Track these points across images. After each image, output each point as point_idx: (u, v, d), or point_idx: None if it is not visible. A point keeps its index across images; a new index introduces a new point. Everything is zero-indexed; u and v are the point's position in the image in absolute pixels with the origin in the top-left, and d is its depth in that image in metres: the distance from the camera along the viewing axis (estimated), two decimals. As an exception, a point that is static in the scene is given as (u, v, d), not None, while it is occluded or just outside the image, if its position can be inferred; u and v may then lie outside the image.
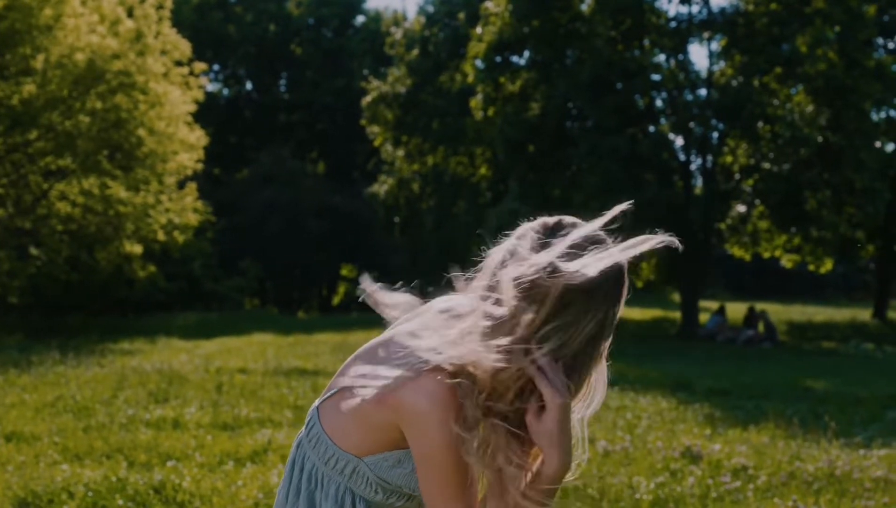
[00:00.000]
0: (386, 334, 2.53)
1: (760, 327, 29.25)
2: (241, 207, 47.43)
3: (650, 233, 2.34)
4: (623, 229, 2.38)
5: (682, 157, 31.35)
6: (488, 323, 2.22)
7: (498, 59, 31.89)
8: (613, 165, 28.24)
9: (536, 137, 30.42)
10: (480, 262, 2.37)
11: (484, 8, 32.04)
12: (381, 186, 43.34)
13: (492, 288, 2.26)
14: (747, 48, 29.43)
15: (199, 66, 31.17)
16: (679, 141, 31.17)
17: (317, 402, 2.53)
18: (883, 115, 33.97)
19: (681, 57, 31.52)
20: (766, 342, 28.09)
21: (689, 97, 31.44)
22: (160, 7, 29.36)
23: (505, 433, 2.25)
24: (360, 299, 2.74)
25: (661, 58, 31.98)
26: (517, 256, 2.25)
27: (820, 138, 28.19)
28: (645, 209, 28.28)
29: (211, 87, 55.81)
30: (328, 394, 2.50)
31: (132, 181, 28.60)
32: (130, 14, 28.58)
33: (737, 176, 30.96)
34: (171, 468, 8.04)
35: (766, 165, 29.49)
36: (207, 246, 39.93)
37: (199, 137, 30.29)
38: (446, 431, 2.21)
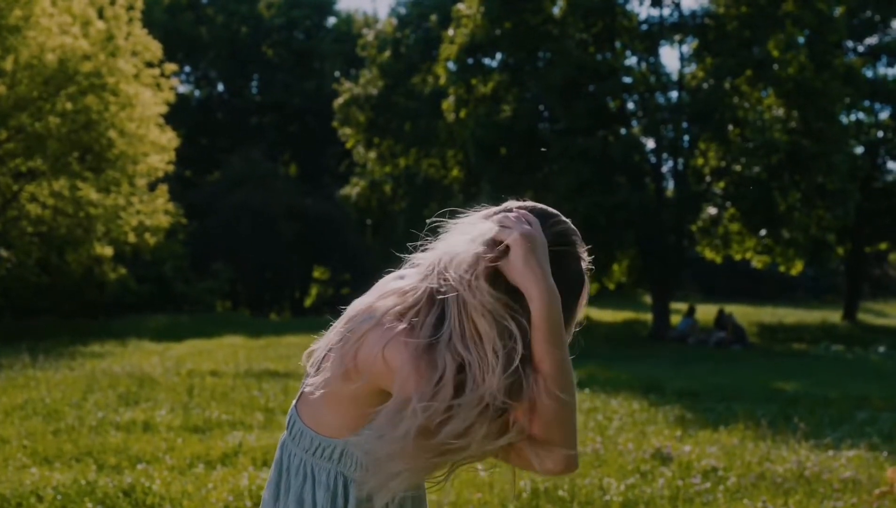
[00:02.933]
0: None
1: (730, 329, 29.38)
2: (212, 209, 47.21)
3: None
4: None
5: (653, 159, 31.45)
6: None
7: (470, 61, 31.89)
8: (585, 168, 28.30)
9: (508, 140, 30.44)
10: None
11: (456, 10, 32.04)
12: (354, 189, 43.27)
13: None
14: (718, 51, 29.56)
15: (170, 67, 31.01)
16: (650, 143, 31.27)
17: (294, 402, 2.55)
18: (853, 117, 34.22)
19: (652, 60, 31.64)
20: (736, 344, 28.20)
21: (661, 100, 31.57)
22: (131, 8, 29.19)
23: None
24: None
25: (633, 60, 32.10)
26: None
27: (783, 137, 28.30)
28: (616, 211, 28.39)
29: (182, 88, 55.55)
30: (302, 391, 2.52)
31: (103, 183, 28.45)
32: (101, 15, 28.43)
33: (708, 178, 31.08)
34: (141, 470, 8.02)
35: (737, 168, 29.61)
36: (179, 248, 39.77)
37: (170, 138, 30.14)
38: (413, 365, 2.25)
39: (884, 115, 37.42)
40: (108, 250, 29.64)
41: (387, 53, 40.79)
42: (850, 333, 33.66)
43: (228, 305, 47.85)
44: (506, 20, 29.99)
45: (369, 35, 42.84)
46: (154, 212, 30.54)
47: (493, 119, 30.51)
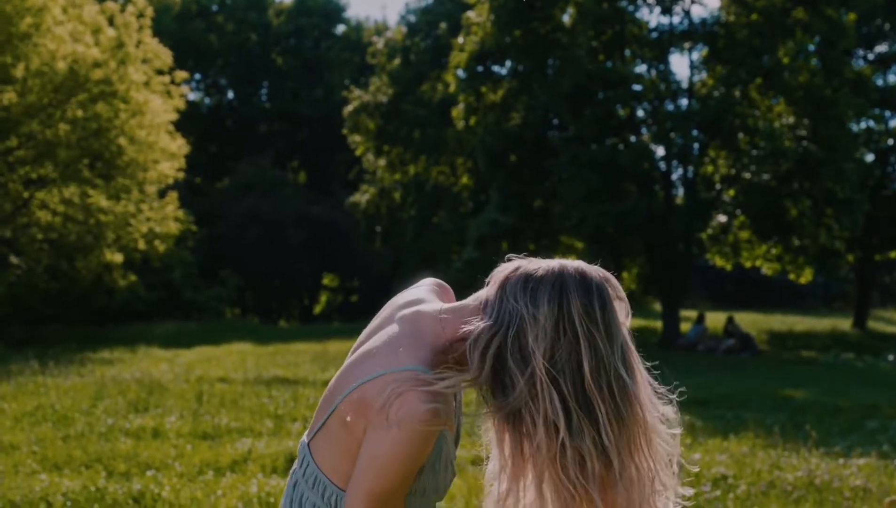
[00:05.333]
0: (357, 346, 2.45)
1: (736, 336, 29.32)
2: (221, 216, 47.29)
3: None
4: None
5: (663, 167, 31.41)
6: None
7: (479, 68, 31.91)
8: (594, 175, 28.27)
9: (517, 147, 30.46)
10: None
11: (466, 18, 32.06)
12: (363, 196, 43.29)
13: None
14: (728, 59, 29.52)
15: (181, 74, 31.10)
16: (660, 151, 31.23)
17: (306, 437, 2.43)
18: (863, 125, 34.15)
19: (662, 67, 31.59)
20: (744, 351, 28.13)
21: (670, 107, 31.51)
22: (141, 16, 29.28)
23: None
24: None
25: (643, 68, 32.06)
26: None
27: (793, 145, 28.26)
28: (626, 219, 28.37)
29: (192, 96, 55.67)
30: (317, 428, 2.39)
31: (113, 190, 28.51)
32: (111, 23, 28.51)
33: (718, 186, 31.03)
34: (150, 477, 8.02)
35: (747, 176, 29.56)
36: (187, 255, 39.79)
37: (180, 145, 30.22)
38: (407, 444, 2.16)
39: (894, 123, 37.36)
40: (117, 257, 29.65)
41: (396, 61, 40.82)
42: (859, 341, 33.57)
43: (237, 312, 47.84)
44: (515, 28, 29.98)
45: (379, 43, 42.89)
46: (164, 219, 30.59)
47: (503, 127, 30.51)
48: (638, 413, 2.27)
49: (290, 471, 2.50)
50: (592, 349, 2.21)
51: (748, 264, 32.81)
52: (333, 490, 2.32)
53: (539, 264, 2.31)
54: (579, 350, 2.20)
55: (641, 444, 2.27)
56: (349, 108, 41.33)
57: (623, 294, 2.36)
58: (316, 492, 2.36)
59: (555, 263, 2.30)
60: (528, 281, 2.26)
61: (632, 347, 2.34)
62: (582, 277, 2.27)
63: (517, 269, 2.31)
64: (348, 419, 2.26)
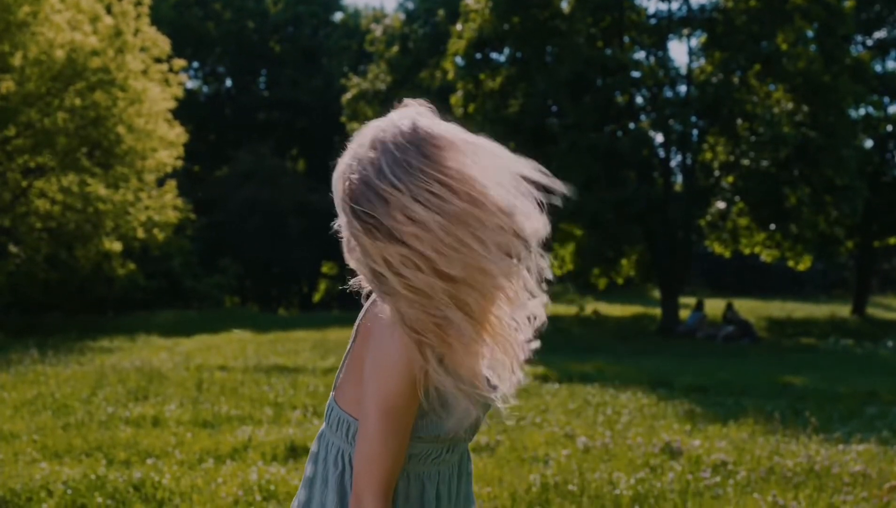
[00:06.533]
0: None
1: (735, 323, 29.35)
2: (220, 204, 47.28)
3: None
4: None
5: (662, 154, 31.41)
6: None
7: (478, 56, 31.88)
8: (593, 162, 28.27)
9: (516, 135, 30.42)
10: None
11: (464, 5, 32.02)
12: (362, 184, 43.29)
13: None
14: (727, 45, 29.51)
15: (179, 62, 31.08)
16: (659, 138, 31.23)
17: (332, 393, 2.49)
18: (862, 112, 34.15)
19: (660, 54, 31.58)
20: (744, 338, 28.15)
21: (669, 94, 31.50)
22: (139, 3, 29.26)
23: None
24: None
25: (641, 55, 32.05)
26: None
27: (792, 131, 28.25)
28: (625, 206, 28.37)
29: (191, 84, 55.65)
30: (339, 376, 2.47)
31: (111, 179, 28.48)
32: (109, 11, 28.47)
33: (717, 173, 31.04)
34: (150, 465, 8.02)
35: (746, 163, 29.56)
36: (187, 244, 39.78)
37: (178, 134, 30.20)
38: (401, 348, 2.20)
39: (893, 109, 37.35)
40: (116, 246, 29.66)
41: (395, 48, 40.81)
42: (858, 327, 33.59)
43: (237, 300, 47.88)
44: (514, 15, 29.96)
45: (377, 30, 42.87)
46: (162, 207, 30.59)
47: (502, 114, 30.49)
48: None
49: (318, 431, 2.55)
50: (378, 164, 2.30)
51: (747, 251, 32.83)
52: (357, 426, 2.35)
53: None
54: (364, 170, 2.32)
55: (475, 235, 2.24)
56: (348, 95, 41.34)
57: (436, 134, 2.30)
58: (340, 435, 2.41)
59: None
60: None
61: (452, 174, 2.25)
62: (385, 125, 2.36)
63: None
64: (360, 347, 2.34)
